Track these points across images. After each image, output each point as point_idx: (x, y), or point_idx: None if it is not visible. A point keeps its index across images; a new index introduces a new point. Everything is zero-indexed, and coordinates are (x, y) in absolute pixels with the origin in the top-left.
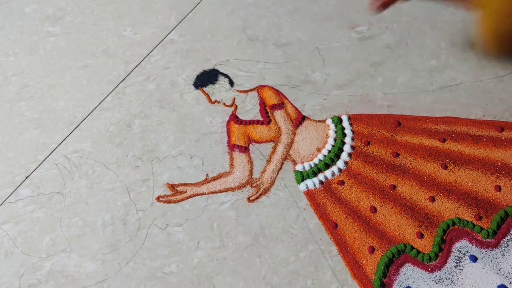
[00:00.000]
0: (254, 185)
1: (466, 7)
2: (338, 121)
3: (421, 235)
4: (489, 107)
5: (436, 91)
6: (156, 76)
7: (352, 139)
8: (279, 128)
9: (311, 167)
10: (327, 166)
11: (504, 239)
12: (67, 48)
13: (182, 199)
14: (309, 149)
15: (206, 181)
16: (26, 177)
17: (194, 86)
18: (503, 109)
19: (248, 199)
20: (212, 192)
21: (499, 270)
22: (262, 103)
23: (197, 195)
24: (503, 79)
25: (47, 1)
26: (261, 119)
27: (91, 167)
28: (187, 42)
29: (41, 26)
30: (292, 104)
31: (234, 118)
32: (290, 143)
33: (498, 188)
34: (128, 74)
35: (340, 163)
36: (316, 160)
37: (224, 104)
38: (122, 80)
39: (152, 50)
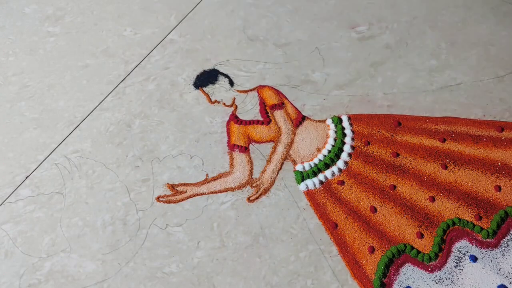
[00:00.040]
0: (254, 185)
1: None
2: (338, 121)
3: (421, 235)
4: (489, 107)
5: (436, 91)
6: (156, 76)
7: (352, 139)
8: (279, 128)
9: (311, 167)
10: (327, 166)
11: (504, 239)
12: (67, 48)
13: (182, 199)
14: (309, 149)
15: (206, 181)
16: (26, 177)
17: (194, 86)
18: (503, 109)
19: (248, 199)
20: (212, 192)
21: (499, 270)
22: (262, 103)
23: (197, 195)
24: (503, 79)
25: (47, 1)
26: (261, 119)
27: (91, 167)
28: (187, 42)
29: (41, 26)
30: (292, 104)
31: (234, 118)
32: (290, 143)
33: (498, 188)
34: (128, 74)
35: (340, 163)
36: (316, 160)
37: (224, 104)
38: (122, 80)
39: (152, 50)
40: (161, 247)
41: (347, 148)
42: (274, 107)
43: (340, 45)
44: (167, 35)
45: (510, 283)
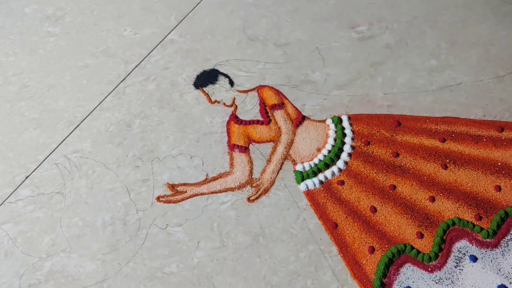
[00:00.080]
0: (254, 185)
1: None
2: (338, 121)
3: (421, 235)
4: (489, 107)
5: (436, 91)
6: (156, 76)
7: (352, 139)
8: (279, 128)
9: (311, 167)
10: (327, 166)
11: (504, 239)
12: (67, 48)
13: (182, 199)
14: (309, 149)
15: (206, 181)
16: (26, 177)
17: (194, 86)
18: (503, 109)
19: (248, 199)
20: (212, 192)
21: (499, 270)
22: (262, 103)
23: (197, 195)
24: (503, 79)
25: (47, 1)
26: (261, 119)
27: (91, 167)
28: (187, 42)
29: (41, 26)
30: (292, 104)
31: (234, 118)
32: (290, 143)
33: (498, 188)
34: (128, 74)
35: (340, 163)
36: (316, 160)
37: (224, 104)
38: (122, 80)
39: (152, 50)
40: (161, 247)
41: (347, 148)
42: (274, 107)
43: (340, 45)
44: (167, 35)
45: (510, 283)
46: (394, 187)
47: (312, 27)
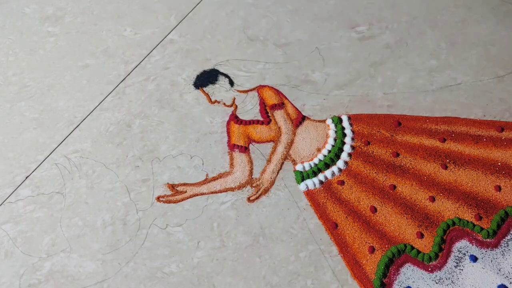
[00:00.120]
0: (254, 185)
1: None
2: (338, 121)
3: (421, 235)
4: (489, 107)
5: (436, 91)
6: (156, 76)
7: (352, 139)
8: (279, 128)
9: (311, 167)
10: (327, 166)
11: (504, 239)
12: (67, 48)
13: (182, 199)
14: (309, 149)
15: (206, 181)
16: (26, 177)
17: (194, 86)
18: (503, 109)
19: (248, 199)
20: (212, 192)
21: (499, 270)
22: (262, 103)
23: (197, 195)
24: (503, 79)
25: (47, 1)
26: (261, 119)
27: (91, 167)
28: (187, 42)
29: (41, 26)
30: (292, 104)
31: (234, 118)
32: (290, 143)
33: (498, 188)
34: (128, 74)
35: (340, 163)
36: (316, 160)
37: (224, 104)
38: (122, 80)
39: (152, 50)
40: (161, 247)
41: (347, 148)
42: (274, 107)
43: (340, 45)
44: (167, 35)
45: (510, 283)
46: (394, 187)
47: (312, 27)
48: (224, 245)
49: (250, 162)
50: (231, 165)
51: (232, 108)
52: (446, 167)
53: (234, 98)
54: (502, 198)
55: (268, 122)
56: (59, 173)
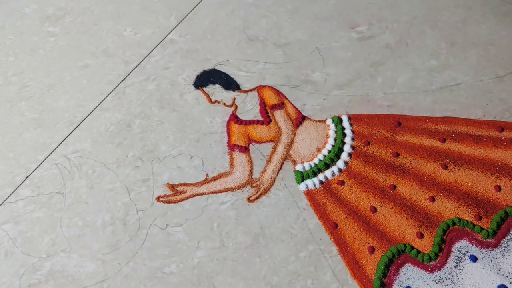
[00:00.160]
0: (254, 185)
1: None
2: (338, 121)
3: (421, 235)
4: (489, 107)
5: (436, 91)
6: (156, 76)
7: (352, 139)
8: (279, 128)
9: (311, 167)
10: (327, 166)
11: (504, 239)
12: (67, 48)
13: (182, 199)
14: (309, 149)
15: (206, 181)
16: (26, 177)
17: (194, 86)
18: (503, 109)
19: (248, 199)
20: (212, 192)
21: (499, 270)
22: (262, 103)
23: (197, 195)
24: (503, 79)
25: (47, 1)
26: (261, 119)
27: (91, 167)
28: (187, 42)
29: (41, 26)
30: (292, 104)
31: (234, 118)
32: (290, 143)
33: (498, 188)
34: (128, 74)
35: (340, 163)
36: (316, 160)
37: (224, 104)
38: (122, 80)
39: (152, 50)
40: (161, 247)
41: (347, 148)
42: (274, 107)
43: (340, 45)
44: (167, 35)
45: (510, 283)
46: (394, 187)
47: (312, 27)
48: (224, 245)
49: (250, 162)
50: (231, 165)
51: (232, 108)
52: (446, 167)
53: (234, 98)
54: (502, 198)
55: (268, 122)
56: (59, 173)
